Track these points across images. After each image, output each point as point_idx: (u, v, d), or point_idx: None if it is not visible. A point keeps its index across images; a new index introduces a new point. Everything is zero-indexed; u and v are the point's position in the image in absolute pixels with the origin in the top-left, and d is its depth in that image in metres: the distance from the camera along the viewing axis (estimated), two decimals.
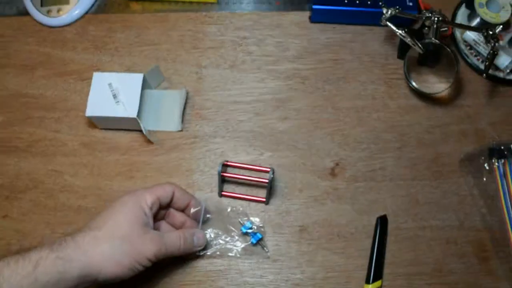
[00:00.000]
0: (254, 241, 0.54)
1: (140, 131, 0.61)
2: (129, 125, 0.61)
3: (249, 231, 0.54)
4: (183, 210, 0.54)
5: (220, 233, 0.55)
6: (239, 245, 0.55)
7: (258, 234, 0.55)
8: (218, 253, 0.54)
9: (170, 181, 0.56)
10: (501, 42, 0.62)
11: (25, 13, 0.70)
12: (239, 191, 0.59)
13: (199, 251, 0.54)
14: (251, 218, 0.56)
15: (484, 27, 0.59)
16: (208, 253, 0.55)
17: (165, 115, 0.63)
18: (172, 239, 0.49)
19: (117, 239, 0.45)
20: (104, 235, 0.45)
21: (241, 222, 0.55)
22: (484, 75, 0.59)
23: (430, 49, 0.61)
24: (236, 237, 0.55)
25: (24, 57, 0.68)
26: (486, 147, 0.59)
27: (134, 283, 0.54)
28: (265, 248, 0.55)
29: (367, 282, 0.54)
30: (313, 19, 0.69)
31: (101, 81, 0.60)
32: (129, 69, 0.66)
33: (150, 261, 0.47)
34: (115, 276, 0.45)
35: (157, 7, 0.71)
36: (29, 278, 0.40)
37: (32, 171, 0.61)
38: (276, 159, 0.61)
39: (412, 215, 0.57)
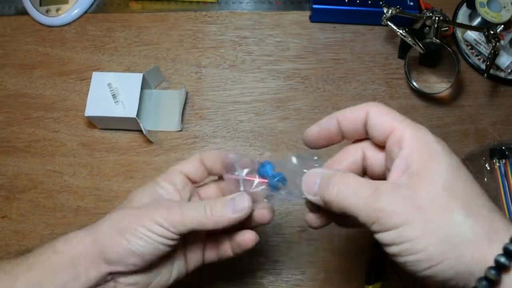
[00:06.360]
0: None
1: (140, 131, 0.60)
2: (129, 125, 0.61)
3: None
4: None
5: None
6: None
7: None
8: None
9: None
10: (502, 42, 0.62)
11: (24, 12, 0.70)
12: None
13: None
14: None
15: (485, 26, 0.59)
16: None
17: (164, 115, 0.63)
18: (191, 205, 0.39)
19: (123, 210, 0.40)
20: (112, 215, 0.39)
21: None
22: (485, 75, 0.59)
23: (431, 49, 0.61)
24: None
25: (23, 56, 0.68)
26: (487, 147, 0.59)
27: None
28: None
29: (367, 283, 0.53)
30: (313, 19, 0.68)
31: (100, 81, 0.60)
32: (128, 69, 0.66)
33: (161, 226, 0.37)
34: (121, 249, 0.37)
35: (157, 7, 0.70)
36: None
37: (31, 171, 0.61)
38: None
39: None
